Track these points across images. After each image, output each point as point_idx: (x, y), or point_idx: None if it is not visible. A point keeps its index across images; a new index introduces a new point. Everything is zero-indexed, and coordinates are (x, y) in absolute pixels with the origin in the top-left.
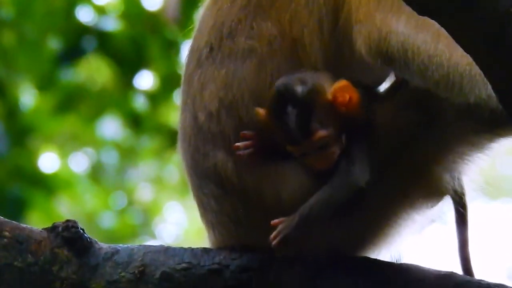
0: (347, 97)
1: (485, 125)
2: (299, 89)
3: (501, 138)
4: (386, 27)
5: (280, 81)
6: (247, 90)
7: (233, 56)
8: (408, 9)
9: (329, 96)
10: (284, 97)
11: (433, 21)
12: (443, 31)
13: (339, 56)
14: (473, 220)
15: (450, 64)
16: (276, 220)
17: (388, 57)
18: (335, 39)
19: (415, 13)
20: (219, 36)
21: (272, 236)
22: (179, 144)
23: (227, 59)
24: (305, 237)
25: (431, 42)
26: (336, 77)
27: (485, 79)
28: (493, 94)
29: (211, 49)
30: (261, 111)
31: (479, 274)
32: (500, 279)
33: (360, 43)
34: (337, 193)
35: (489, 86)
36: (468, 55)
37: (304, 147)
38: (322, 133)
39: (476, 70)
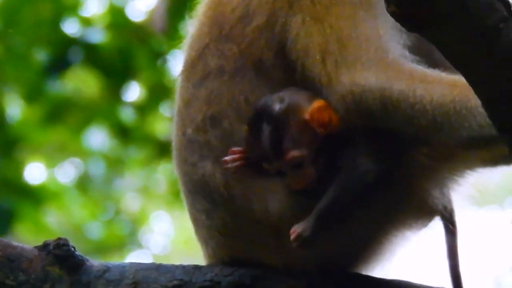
0: (326, 117)
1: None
2: (275, 107)
3: (492, 155)
4: (357, 87)
5: (261, 99)
6: (227, 105)
7: (207, 76)
8: (372, 61)
9: (307, 115)
10: (261, 114)
11: (402, 65)
12: (415, 72)
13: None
14: (461, 229)
15: (433, 107)
16: (293, 229)
17: (368, 115)
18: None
19: (380, 63)
20: (190, 59)
21: (292, 239)
22: (173, 161)
23: (202, 79)
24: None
25: (408, 90)
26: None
27: (471, 110)
28: (484, 123)
29: (187, 70)
30: (245, 128)
31: (468, 285)
32: None
33: (335, 105)
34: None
35: (478, 117)
36: (448, 92)
37: (277, 165)
38: (294, 153)
39: (461, 105)
